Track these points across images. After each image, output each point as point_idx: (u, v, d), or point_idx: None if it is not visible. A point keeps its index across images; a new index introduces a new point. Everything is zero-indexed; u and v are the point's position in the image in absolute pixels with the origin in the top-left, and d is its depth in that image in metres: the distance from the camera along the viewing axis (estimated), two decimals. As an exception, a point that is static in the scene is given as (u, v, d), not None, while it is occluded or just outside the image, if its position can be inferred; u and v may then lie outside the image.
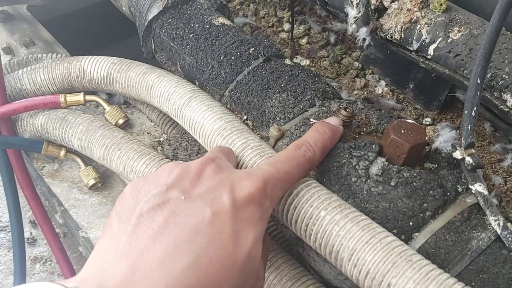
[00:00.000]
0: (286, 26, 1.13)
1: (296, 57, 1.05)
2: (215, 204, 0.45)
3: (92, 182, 0.82)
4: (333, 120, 0.61)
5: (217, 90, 0.74)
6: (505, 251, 0.53)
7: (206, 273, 0.42)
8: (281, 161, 0.53)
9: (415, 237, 0.54)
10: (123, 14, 0.96)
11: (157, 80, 0.75)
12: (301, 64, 0.77)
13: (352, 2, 0.79)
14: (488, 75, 0.68)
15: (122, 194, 0.48)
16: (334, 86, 0.78)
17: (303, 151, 0.55)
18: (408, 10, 0.76)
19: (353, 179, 0.57)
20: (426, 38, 0.74)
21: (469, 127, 0.56)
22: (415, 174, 0.56)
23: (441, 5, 0.74)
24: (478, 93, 0.56)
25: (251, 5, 1.20)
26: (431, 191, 0.55)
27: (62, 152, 0.84)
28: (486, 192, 0.55)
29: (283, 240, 0.67)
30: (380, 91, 0.97)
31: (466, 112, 0.57)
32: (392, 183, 0.55)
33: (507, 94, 0.67)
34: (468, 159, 0.56)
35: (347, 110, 0.61)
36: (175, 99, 0.71)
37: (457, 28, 0.73)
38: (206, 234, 0.43)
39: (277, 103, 0.67)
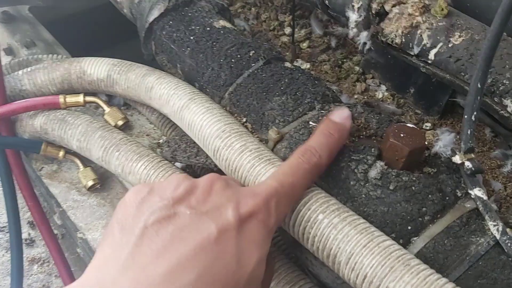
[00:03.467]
0: (287, 30, 1.13)
1: (297, 61, 1.05)
2: (221, 220, 0.45)
3: (90, 183, 0.82)
4: (339, 114, 0.59)
5: (217, 92, 0.74)
6: (504, 256, 0.53)
7: None
8: (285, 173, 0.52)
9: (413, 241, 0.54)
10: (124, 16, 0.96)
11: (156, 82, 0.74)
12: (302, 68, 0.77)
13: (353, 6, 0.79)
14: (489, 80, 0.68)
15: (124, 200, 0.47)
16: (334, 90, 0.78)
17: (307, 158, 0.54)
18: (409, 14, 0.76)
19: (351, 183, 0.57)
20: (427, 43, 0.74)
21: (469, 132, 0.56)
22: (414, 178, 0.55)
23: (442, 10, 0.74)
24: (479, 97, 0.56)
25: (252, 8, 1.20)
26: (430, 196, 0.55)
27: (61, 153, 0.84)
28: (485, 197, 0.55)
29: (281, 244, 0.67)
30: (380, 96, 0.97)
31: (466, 116, 0.56)
32: (391, 187, 0.55)
33: (507, 100, 0.67)
34: (468, 164, 0.56)
35: (347, 113, 0.61)
36: (175, 101, 0.71)
37: (458, 33, 0.72)
38: (211, 251, 0.43)
39: (277, 106, 0.67)
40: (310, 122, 0.64)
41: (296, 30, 1.10)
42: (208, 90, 0.75)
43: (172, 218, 0.44)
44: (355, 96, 0.98)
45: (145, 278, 0.40)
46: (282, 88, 0.69)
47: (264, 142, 0.66)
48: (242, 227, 0.45)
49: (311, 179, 0.55)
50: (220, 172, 0.67)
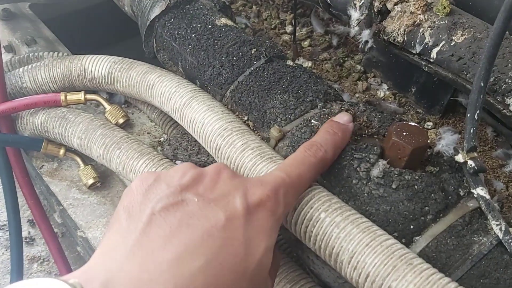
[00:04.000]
0: (289, 28, 1.12)
1: (298, 59, 1.05)
2: (229, 208, 0.45)
3: (91, 181, 0.82)
4: (343, 117, 0.60)
5: (218, 90, 0.73)
6: (506, 256, 0.52)
7: (215, 278, 0.41)
8: (291, 164, 0.53)
9: (416, 240, 0.54)
10: (125, 13, 0.96)
11: (158, 80, 0.74)
12: (303, 66, 0.77)
13: (355, 4, 0.79)
14: (491, 79, 0.68)
15: (130, 188, 0.47)
16: (336, 89, 0.77)
17: (313, 151, 0.54)
18: (411, 13, 0.75)
19: (354, 181, 0.56)
20: (429, 41, 0.74)
21: (471, 131, 0.56)
22: (416, 177, 0.55)
23: (444, 8, 0.74)
24: (481, 96, 0.56)
25: (253, 6, 1.20)
26: (432, 195, 0.55)
27: (62, 151, 0.83)
28: (488, 196, 0.55)
29: (283, 243, 0.67)
30: (382, 95, 0.97)
31: (469, 115, 0.56)
32: (393, 186, 0.55)
33: (510, 99, 0.67)
34: (470, 163, 0.56)
35: (349, 112, 0.61)
36: (176, 99, 0.71)
37: (461, 32, 0.72)
38: (218, 238, 0.42)
39: (279, 104, 0.67)
40: (312, 121, 0.63)
41: (297, 28, 1.10)
42: (209, 88, 0.75)
43: (180, 205, 0.44)
44: (357, 95, 0.98)
45: (153, 264, 0.40)
46: (284, 86, 0.68)
47: (265, 140, 0.66)
48: (250, 215, 0.45)
49: (316, 173, 0.55)
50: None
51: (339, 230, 0.51)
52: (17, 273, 0.91)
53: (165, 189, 0.45)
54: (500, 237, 0.53)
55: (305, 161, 0.53)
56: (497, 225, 0.53)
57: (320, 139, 0.56)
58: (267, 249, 0.46)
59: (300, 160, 0.54)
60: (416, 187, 0.55)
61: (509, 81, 0.67)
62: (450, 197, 0.55)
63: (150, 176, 0.47)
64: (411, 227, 0.54)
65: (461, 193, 0.56)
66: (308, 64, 1.04)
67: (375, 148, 0.58)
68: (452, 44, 0.72)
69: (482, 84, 0.55)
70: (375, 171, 0.56)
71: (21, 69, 0.84)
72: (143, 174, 0.49)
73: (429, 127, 0.91)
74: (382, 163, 0.56)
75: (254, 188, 0.47)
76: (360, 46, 0.82)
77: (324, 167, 0.56)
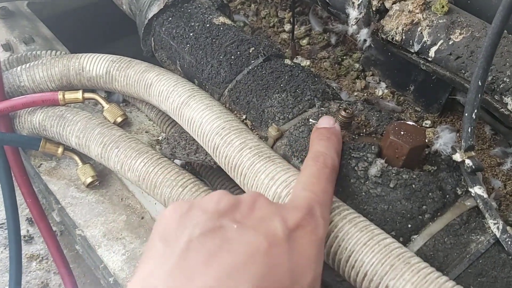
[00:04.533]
0: (287, 27, 1.12)
1: (297, 58, 1.05)
2: (270, 233, 0.43)
3: (89, 180, 0.82)
4: (327, 122, 0.59)
5: (217, 89, 0.73)
6: (504, 254, 0.53)
7: None
8: (312, 183, 0.51)
9: (413, 239, 0.54)
10: (123, 12, 0.96)
11: (156, 79, 0.74)
12: (301, 65, 0.77)
13: (353, 3, 0.79)
14: (489, 78, 0.68)
15: (163, 215, 0.45)
16: (334, 87, 0.77)
17: (322, 162, 0.53)
18: (410, 11, 0.75)
19: (352, 180, 0.56)
20: (427, 40, 0.74)
21: (469, 130, 0.56)
22: (414, 176, 0.55)
23: (442, 7, 0.74)
24: (479, 95, 0.56)
25: (252, 5, 1.20)
26: (430, 194, 0.55)
27: (60, 150, 0.83)
28: (485, 195, 0.55)
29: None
30: (380, 93, 0.97)
31: (466, 114, 0.56)
32: (391, 185, 0.55)
33: (508, 97, 0.67)
34: (468, 162, 0.56)
35: (347, 111, 0.60)
36: (174, 98, 0.71)
37: (459, 31, 0.72)
38: (262, 264, 0.41)
39: (277, 103, 0.67)
40: (310, 120, 0.63)
41: (296, 26, 1.10)
42: (207, 87, 0.75)
43: (218, 231, 0.42)
44: (355, 93, 0.98)
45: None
46: (282, 85, 0.68)
47: (264, 139, 0.66)
48: (292, 240, 0.44)
49: (334, 181, 0.54)
50: (219, 169, 0.66)
51: (337, 229, 0.51)
52: (16, 271, 0.91)
53: (202, 215, 0.44)
54: (498, 236, 0.53)
55: (321, 174, 0.52)
56: (494, 223, 0.53)
57: (320, 148, 0.55)
58: (314, 279, 0.44)
59: (316, 175, 0.52)
60: (413, 186, 0.55)
61: (507, 80, 0.67)
62: (447, 196, 0.55)
63: (184, 204, 0.46)
64: (409, 226, 0.54)
65: (459, 192, 0.56)
66: (306, 62, 1.04)
67: (373, 147, 0.58)
68: (450, 43, 0.72)
69: (480, 83, 0.55)
70: (373, 170, 0.56)
71: (19, 68, 0.84)
72: (176, 202, 0.47)
73: (428, 125, 0.91)
74: (380, 162, 0.56)
75: (291, 213, 0.46)
76: (358, 45, 0.82)
77: (337, 173, 0.55)
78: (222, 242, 0.41)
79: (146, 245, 0.45)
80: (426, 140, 0.56)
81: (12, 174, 0.88)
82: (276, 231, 0.43)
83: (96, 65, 0.79)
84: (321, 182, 0.52)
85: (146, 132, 0.86)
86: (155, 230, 0.45)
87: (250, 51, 0.73)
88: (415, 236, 0.54)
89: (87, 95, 0.82)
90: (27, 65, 0.84)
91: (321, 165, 0.53)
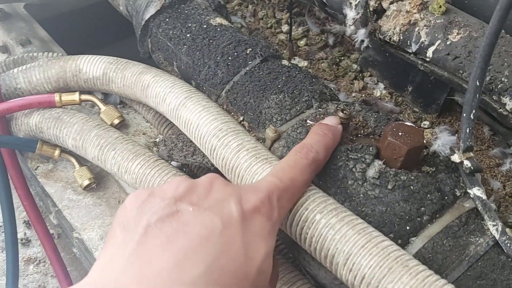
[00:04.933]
0: (285, 28, 1.12)
1: (294, 59, 1.05)
2: (224, 214, 0.44)
3: (86, 182, 0.82)
4: (331, 120, 0.60)
5: (214, 90, 0.73)
6: (503, 257, 0.52)
7: (217, 284, 0.41)
8: (283, 169, 0.53)
9: (412, 241, 0.53)
10: (120, 13, 0.96)
11: (153, 80, 0.74)
12: (299, 66, 0.77)
13: (350, 3, 0.78)
14: (487, 78, 0.67)
15: (124, 204, 0.47)
16: (332, 88, 0.77)
17: (304, 153, 0.54)
18: (407, 12, 0.75)
19: (349, 182, 0.56)
20: (425, 40, 0.74)
21: (467, 130, 0.55)
22: (412, 178, 0.55)
23: (440, 7, 0.73)
24: (477, 95, 0.55)
25: (249, 6, 1.19)
26: (428, 195, 0.54)
27: (57, 152, 0.83)
28: (484, 197, 0.55)
29: (279, 244, 0.67)
30: (378, 94, 0.97)
31: (464, 115, 0.56)
32: (389, 187, 0.54)
33: (506, 98, 0.67)
34: (467, 163, 0.56)
35: (345, 112, 0.60)
36: (171, 99, 0.70)
37: (456, 31, 0.72)
38: (217, 244, 0.42)
39: (274, 104, 0.66)
40: (308, 121, 0.63)
41: (293, 27, 1.09)
42: (204, 88, 0.75)
43: (175, 215, 0.43)
44: (353, 94, 0.97)
45: (151, 273, 0.39)
46: (279, 86, 0.68)
47: (261, 140, 0.65)
48: (246, 221, 0.45)
49: (310, 175, 0.55)
50: (217, 171, 0.66)
51: (335, 231, 0.51)
52: (13, 274, 0.90)
53: (160, 202, 0.45)
54: (497, 238, 0.53)
55: (296, 164, 0.53)
56: (493, 225, 0.53)
57: (310, 140, 0.56)
58: (267, 254, 0.45)
59: (291, 163, 0.53)
60: (412, 187, 0.54)
61: (505, 80, 0.67)
62: (446, 197, 0.55)
63: (144, 192, 0.47)
64: (407, 228, 0.53)
65: (458, 194, 0.56)
66: (304, 63, 1.03)
67: (370, 148, 0.57)
68: (448, 43, 0.72)
69: (478, 83, 0.55)
70: (371, 172, 0.56)
71: (15, 70, 0.84)
72: (136, 191, 0.48)
73: (426, 126, 0.90)
74: (378, 163, 0.56)
75: (248, 194, 0.47)
76: (356, 45, 0.82)
77: (317, 168, 0.56)
78: (178, 225, 0.42)
79: (108, 233, 0.46)
80: (424, 141, 0.56)
81: (9, 177, 0.87)
82: (231, 212, 0.45)
83: (93, 66, 0.79)
84: (292, 170, 0.52)
85: (143, 134, 0.85)
86: (115, 219, 0.46)
87: (248, 52, 0.73)
88: (413, 238, 0.53)
89: (84, 97, 0.81)
90: (24, 67, 0.84)
91: (301, 156, 0.54)
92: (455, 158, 0.57)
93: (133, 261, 0.40)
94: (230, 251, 0.43)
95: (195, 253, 0.41)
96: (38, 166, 0.88)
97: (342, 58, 1.05)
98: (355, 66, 1.02)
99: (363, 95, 0.97)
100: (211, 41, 0.76)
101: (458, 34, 0.72)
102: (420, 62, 0.76)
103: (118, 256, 0.41)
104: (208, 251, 0.41)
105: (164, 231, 0.42)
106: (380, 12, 0.78)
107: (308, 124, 0.63)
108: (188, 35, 0.78)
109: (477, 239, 0.53)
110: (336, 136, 0.58)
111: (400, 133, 0.55)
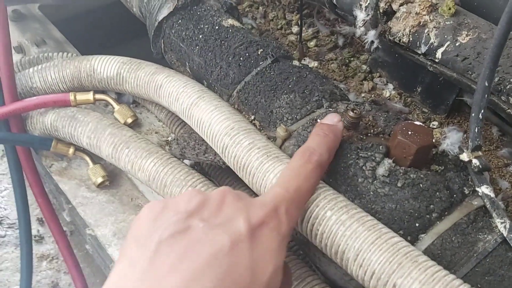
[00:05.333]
0: (295, 29, 1.13)
1: (304, 59, 1.06)
2: (233, 232, 0.45)
3: (100, 180, 0.83)
4: (331, 119, 0.60)
5: (225, 90, 0.74)
6: (511, 253, 0.53)
7: None
8: (289, 178, 0.53)
9: (421, 238, 0.54)
10: (133, 14, 0.97)
11: (166, 80, 0.75)
12: (309, 66, 0.78)
13: (361, 5, 0.79)
14: (496, 79, 0.68)
15: (138, 217, 0.48)
16: (342, 89, 0.78)
17: (307, 158, 0.54)
18: (417, 13, 0.76)
19: (359, 180, 0.57)
20: (434, 42, 0.74)
21: (476, 130, 0.56)
22: (421, 176, 0.56)
23: (449, 9, 0.74)
24: (486, 95, 0.56)
25: (260, 7, 1.20)
26: (437, 193, 0.55)
27: (71, 150, 0.85)
28: (492, 195, 0.56)
29: (289, 240, 0.68)
30: (387, 94, 0.98)
31: (473, 114, 0.57)
32: (399, 184, 0.55)
33: (515, 98, 0.67)
34: (475, 161, 0.57)
35: (355, 111, 0.61)
36: (184, 99, 0.72)
37: (466, 32, 0.73)
38: (224, 263, 0.43)
39: (285, 104, 0.68)
40: (318, 120, 0.64)
41: (303, 29, 1.10)
42: (216, 88, 0.76)
43: (186, 232, 0.44)
44: (362, 95, 0.98)
45: None
46: (290, 86, 0.69)
47: (272, 139, 0.66)
48: (254, 237, 0.45)
49: (316, 179, 0.55)
50: (228, 169, 0.67)
51: (345, 228, 0.52)
52: (27, 270, 0.92)
53: (172, 216, 0.46)
54: (505, 235, 0.53)
55: (301, 171, 0.53)
56: (501, 223, 0.54)
57: (312, 143, 0.56)
58: (275, 270, 0.46)
59: (296, 169, 0.53)
60: (421, 185, 0.55)
61: (514, 81, 0.67)
62: (455, 195, 0.56)
63: (158, 204, 0.48)
64: (417, 225, 0.54)
65: (466, 192, 0.57)
66: (314, 64, 1.04)
67: (380, 147, 0.58)
68: (457, 44, 0.73)
69: (487, 84, 0.56)
70: (381, 170, 0.57)
71: (31, 70, 0.85)
72: (151, 202, 0.49)
73: (435, 126, 0.91)
74: (387, 161, 0.57)
75: (256, 209, 0.48)
76: (366, 47, 0.83)
77: (323, 170, 0.56)
78: (188, 243, 0.43)
79: (122, 245, 0.47)
80: (434, 140, 0.57)
81: (24, 174, 0.89)
82: (240, 229, 0.45)
83: (106, 67, 0.81)
84: (298, 179, 0.53)
85: (156, 133, 0.87)
86: (130, 232, 0.47)
87: (259, 53, 0.74)
88: (422, 235, 0.54)
89: (98, 96, 0.83)
90: (39, 66, 0.85)
91: (305, 160, 0.54)
92: (464, 157, 0.58)
93: (144, 279, 0.42)
94: (237, 270, 0.43)
95: (203, 273, 0.42)
96: (53, 164, 0.90)
97: (352, 59, 1.05)
98: (364, 67, 1.03)
99: (372, 96, 0.98)
100: (223, 42, 0.77)
101: (467, 35, 0.72)
102: (429, 63, 0.77)
103: (131, 273, 0.43)
104: (215, 271, 0.42)
105: (174, 249, 0.43)
106: (390, 13, 0.79)
107: (318, 123, 0.64)
108: (201, 36, 0.79)
109: (485, 236, 0.54)
110: (337, 135, 0.59)
111: (409, 132, 0.56)
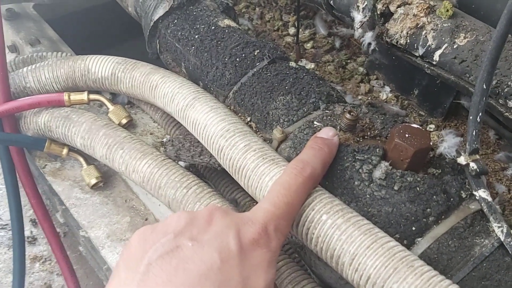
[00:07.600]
0: (292, 30, 1.13)
1: (301, 61, 1.05)
2: (223, 249, 0.45)
3: (94, 181, 0.82)
4: (327, 132, 0.60)
5: (221, 91, 0.74)
6: (508, 258, 0.53)
7: None
8: (278, 194, 0.52)
9: (417, 242, 0.54)
10: (129, 14, 0.96)
11: (161, 81, 0.74)
12: (306, 68, 0.77)
13: (358, 6, 0.79)
14: (494, 82, 0.68)
15: (129, 242, 0.48)
16: (339, 91, 0.78)
17: (299, 171, 0.54)
18: (414, 15, 0.75)
19: (356, 183, 0.57)
20: (432, 44, 0.74)
21: (473, 133, 0.56)
22: (418, 179, 0.55)
23: (447, 11, 0.74)
24: (484, 98, 0.56)
25: (256, 8, 1.20)
26: (434, 196, 0.55)
27: (65, 151, 0.84)
28: (490, 199, 0.55)
29: (284, 243, 0.67)
30: (384, 97, 0.97)
31: (471, 117, 0.56)
32: (396, 188, 0.55)
33: (512, 101, 0.67)
34: (473, 165, 0.56)
35: (352, 113, 0.61)
36: (179, 100, 0.71)
37: (463, 34, 0.72)
38: (215, 280, 0.43)
39: (281, 106, 0.67)
40: (315, 122, 0.64)
41: (300, 30, 1.10)
42: (212, 89, 0.75)
43: (175, 251, 0.44)
44: (359, 97, 0.98)
45: None
46: (286, 87, 0.69)
47: (268, 141, 0.66)
48: (244, 254, 0.45)
49: (306, 193, 0.54)
50: (224, 171, 0.67)
51: (341, 232, 0.51)
52: (19, 272, 0.91)
53: (161, 237, 0.46)
54: (502, 239, 0.53)
55: (291, 185, 0.53)
56: (498, 227, 0.53)
57: (306, 156, 0.56)
58: (267, 285, 0.46)
59: (286, 185, 0.53)
60: (418, 188, 0.55)
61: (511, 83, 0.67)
62: (452, 199, 0.55)
63: (148, 228, 0.48)
64: (413, 228, 0.54)
65: (463, 195, 0.56)
66: (311, 66, 1.04)
67: (377, 149, 0.58)
68: (454, 46, 0.72)
69: (485, 87, 0.55)
70: (377, 173, 0.56)
71: (24, 69, 0.84)
72: (141, 228, 0.49)
73: (432, 129, 0.91)
74: (384, 164, 0.56)
75: (246, 226, 0.48)
76: (363, 48, 0.82)
77: (314, 184, 0.56)
78: (178, 262, 0.43)
79: (113, 270, 0.47)
80: (431, 143, 0.56)
81: (17, 175, 0.88)
82: (229, 246, 0.45)
83: (101, 66, 0.80)
84: (288, 194, 0.52)
85: (151, 134, 0.86)
86: (120, 257, 0.47)
87: (255, 54, 0.74)
88: (419, 239, 0.54)
89: (92, 96, 0.82)
90: (33, 66, 0.84)
91: (297, 173, 0.53)
92: (461, 160, 0.57)
93: None
94: (229, 286, 0.43)
95: None
96: (46, 165, 0.89)
97: (349, 61, 1.05)
98: (361, 69, 1.03)
99: (369, 98, 0.97)
100: (219, 42, 0.77)
101: (465, 38, 0.72)
102: (426, 66, 0.76)
103: None
104: None
105: (164, 269, 0.43)
106: (387, 15, 0.79)
107: (315, 126, 0.63)
108: (197, 37, 0.79)
109: (482, 240, 0.53)
110: (332, 150, 0.58)
111: (407, 135, 0.55)
